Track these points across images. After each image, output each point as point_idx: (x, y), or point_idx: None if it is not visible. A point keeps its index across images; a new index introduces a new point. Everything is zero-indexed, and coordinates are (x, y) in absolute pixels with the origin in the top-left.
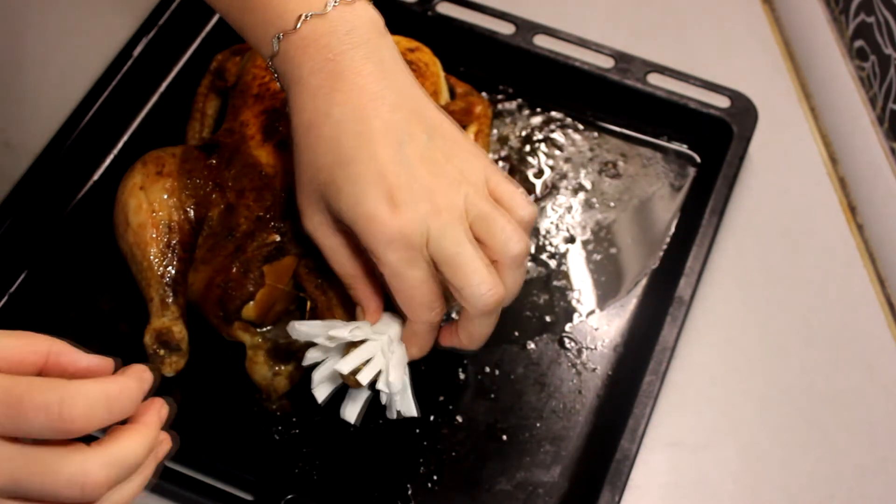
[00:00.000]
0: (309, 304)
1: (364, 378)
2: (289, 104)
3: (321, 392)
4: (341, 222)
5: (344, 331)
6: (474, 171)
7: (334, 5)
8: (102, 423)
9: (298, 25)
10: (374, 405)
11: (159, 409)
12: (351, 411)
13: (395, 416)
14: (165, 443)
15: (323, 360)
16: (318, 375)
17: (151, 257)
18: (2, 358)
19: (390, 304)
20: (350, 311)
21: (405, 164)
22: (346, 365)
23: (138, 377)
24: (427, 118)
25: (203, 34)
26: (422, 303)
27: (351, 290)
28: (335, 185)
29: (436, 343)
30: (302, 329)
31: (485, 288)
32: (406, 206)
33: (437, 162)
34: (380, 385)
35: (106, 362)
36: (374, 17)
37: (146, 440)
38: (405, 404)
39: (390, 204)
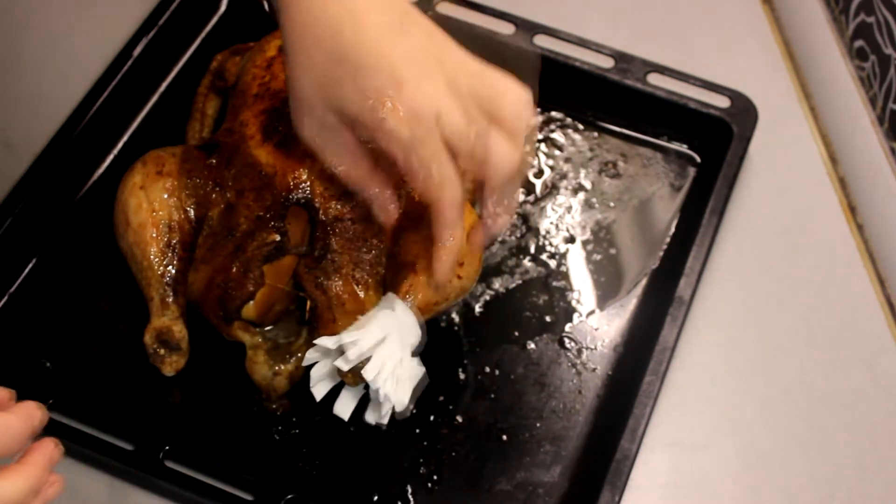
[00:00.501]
0: (309, 303)
1: (369, 373)
2: (280, 15)
3: (319, 390)
4: (345, 117)
5: (351, 338)
6: (470, 63)
7: None
8: (10, 453)
9: None
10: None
11: (48, 451)
12: (344, 408)
13: (385, 421)
14: (56, 485)
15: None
16: (316, 373)
17: (151, 257)
18: None
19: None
20: (350, 310)
21: (405, 50)
22: (344, 363)
23: (26, 414)
24: (420, 20)
25: (203, 34)
26: (442, 174)
27: (364, 193)
28: (336, 79)
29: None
30: (314, 355)
31: (509, 152)
32: (413, 84)
33: (433, 54)
34: (379, 382)
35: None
36: None
37: (29, 481)
38: (401, 401)
39: (396, 85)
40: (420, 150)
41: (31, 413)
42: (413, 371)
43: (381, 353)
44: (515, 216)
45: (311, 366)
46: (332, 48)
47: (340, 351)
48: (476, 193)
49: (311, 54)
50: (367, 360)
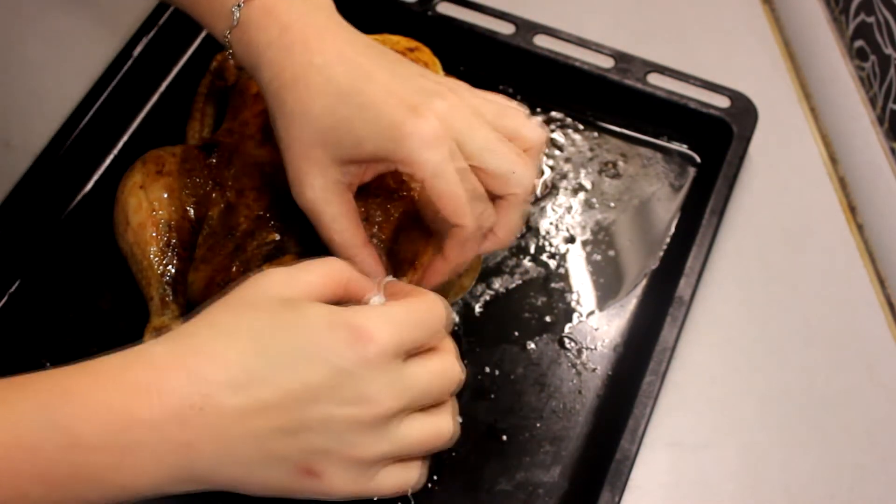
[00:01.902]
0: None
1: None
2: (259, 71)
3: None
4: (350, 162)
5: None
6: (463, 85)
7: None
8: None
9: None
10: None
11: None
12: None
13: None
14: None
15: None
16: None
17: (151, 256)
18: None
19: None
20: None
21: (406, 79)
22: None
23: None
24: (398, 56)
25: (203, 34)
26: (471, 197)
27: (361, 259)
28: (345, 118)
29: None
30: None
31: (530, 168)
32: (426, 107)
33: (431, 78)
34: None
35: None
36: None
37: (458, 361)
38: None
39: (411, 109)
40: (448, 171)
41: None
42: None
43: None
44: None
45: None
46: (331, 92)
47: None
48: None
49: (310, 104)
50: None
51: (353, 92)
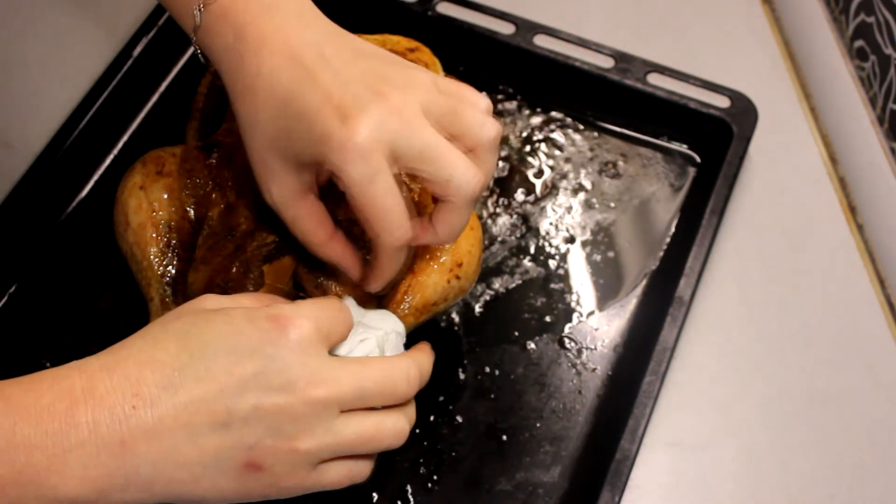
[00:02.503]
0: None
1: None
2: (221, 76)
3: None
4: (302, 167)
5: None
6: (422, 77)
7: None
8: (420, 387)
9: None
10: None
11: (429, 350)
12: None
13: None
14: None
15: None
16: None
17: (151, 257)
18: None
19: (384, 303)
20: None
21: (347, 83)
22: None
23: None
24: (360, 46)
25: None
26: (391, 212)
27: (326, 256)
28: (284, 130)
29: (415, 250)
30: None
31: (471, 174)
32: (358, 117)
33: (380, 75)
34: None
35: None
36: None
37: (431, 357)
38: None
39: (341, 119)
40: (370, 187)
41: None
42: (398, 345)
43: (376, 351)
44: (515, 216)
45: None
46: (274, 102)
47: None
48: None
49: (257, 114)
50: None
51: (291, 100)
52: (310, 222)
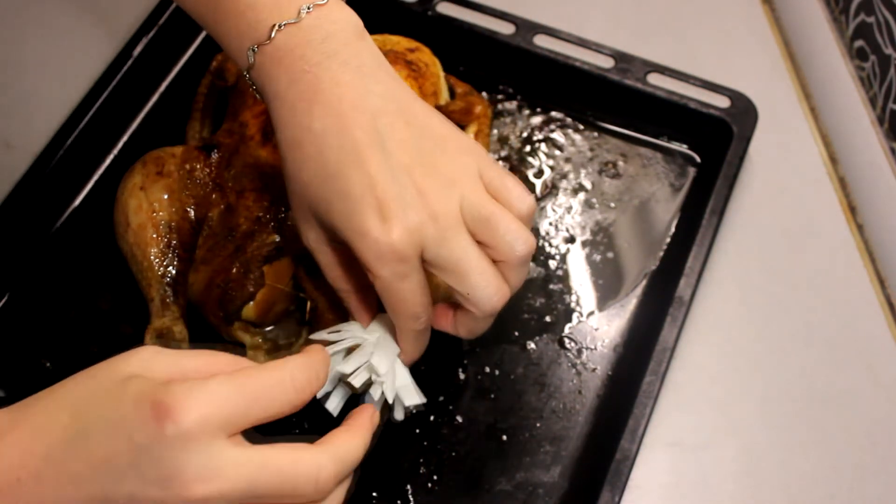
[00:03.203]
0: (309, 304)
1: (357, 381)
2: (271, 118)
3: (332, 404)
4: (335, 237)
5: (339, 335)
6: (468, 168)
7: (307, 11)
8: (318, 388)
9: (272, 35)
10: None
11: (371, 415)
12: (333, 405)
13: (401, 417)
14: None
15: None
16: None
17: (152, 257)
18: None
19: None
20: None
21: (393, 172)
22: (348, 365)
23: (319, 348)
24: (413, 118)
25: (203, 34)
26: (410, 313)
27: (344, 303)
28: (325, 201)
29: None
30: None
31: (492, 291)
32: (398, 219)
33: (427, 165)
34: (374, 386)
35: None
36: (350, 20)
37: (363, 440)
38: (408, 394)
39: (381, 217)
40: (396, 288)
41: (322, 348)
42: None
43: (383, 355)
44: None
45: None
46: (319, 168)
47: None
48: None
49: (302, 171)
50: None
51: (336, 176)
52: (338, 271)
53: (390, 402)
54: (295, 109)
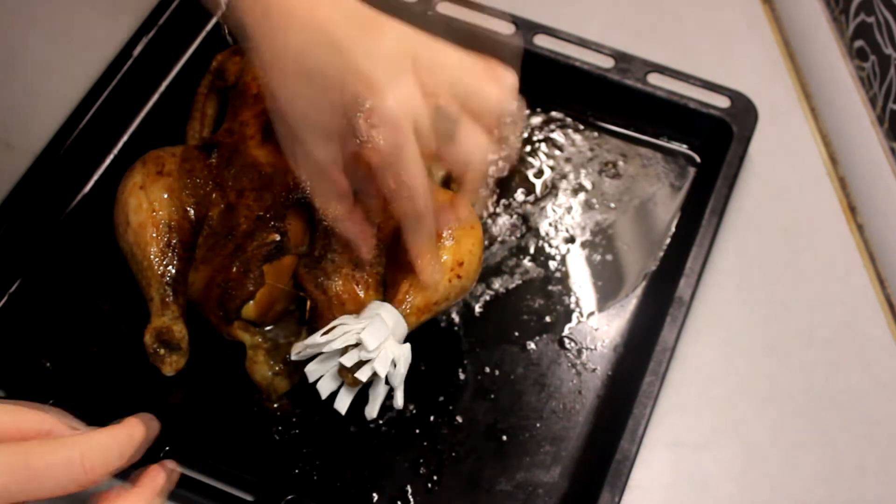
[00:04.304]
0: (309, 303)
1: (348, 361)
2: (248, 51)
3: (325, 389)
4: (329, 139)
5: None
6: (447, 57)
7: None
8: (117, 469)
9: None
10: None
11: (160, 479)
12: (342, 403)
13: (401, 405)
14: None
15: (318, 356)
16: (312, 369)
17: (152, 257)
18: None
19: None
20: (350, 310)
21: (377, 57)
22: (348, 359)
23: (144, 423)
24: (387, 24)
25: (203, 34)
26: (416, 179)
27: (344, 230)
28: (314, 100)
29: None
30: (305, 351)
31: (484, 151)
32: (389, 89)
33: (409, 54)
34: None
35: None
36: None
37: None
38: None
39: (370, 93)
40: (395, 161)
41: (149, 423)
42: (405, 357)
43: (386, 350)
44: (515, 216)
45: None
46: (302, 76)
47: (342, 351)
48: (453, 186)
49: (285, 88)
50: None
51: (320, 74)
52: (333, 195)
53: (395, 386)
54: (271, 34)
